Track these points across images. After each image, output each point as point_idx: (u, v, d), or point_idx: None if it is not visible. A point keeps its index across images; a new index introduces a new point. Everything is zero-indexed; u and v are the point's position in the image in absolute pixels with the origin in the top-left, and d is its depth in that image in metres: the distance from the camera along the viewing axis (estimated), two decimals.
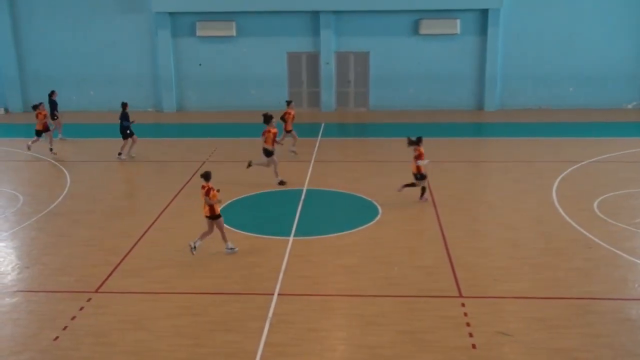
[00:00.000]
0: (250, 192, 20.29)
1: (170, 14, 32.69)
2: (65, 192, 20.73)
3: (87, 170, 23.26)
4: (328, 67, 32.93)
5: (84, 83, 34.03)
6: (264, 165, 20.97)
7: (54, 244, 16.72)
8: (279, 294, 13.67)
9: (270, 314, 12.79)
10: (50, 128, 25.96)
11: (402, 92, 33.23)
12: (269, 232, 16.98)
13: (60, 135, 27.96)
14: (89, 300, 13.59)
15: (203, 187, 15.40)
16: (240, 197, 19.95)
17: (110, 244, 16.48)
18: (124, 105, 24.87)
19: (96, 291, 14.01)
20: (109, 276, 14.69)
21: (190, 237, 16.86)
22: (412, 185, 19.13)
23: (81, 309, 13.21)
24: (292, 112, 24.72)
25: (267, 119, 20.88)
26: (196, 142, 27.21)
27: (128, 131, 24.36)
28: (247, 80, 33.47)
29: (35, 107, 25.38)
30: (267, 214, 18.75)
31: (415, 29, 32.37)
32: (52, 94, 28.28)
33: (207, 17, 32.61)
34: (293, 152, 24.59)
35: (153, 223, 17.91)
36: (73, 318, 12.83)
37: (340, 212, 18.84)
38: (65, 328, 12.45)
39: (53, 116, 27.84)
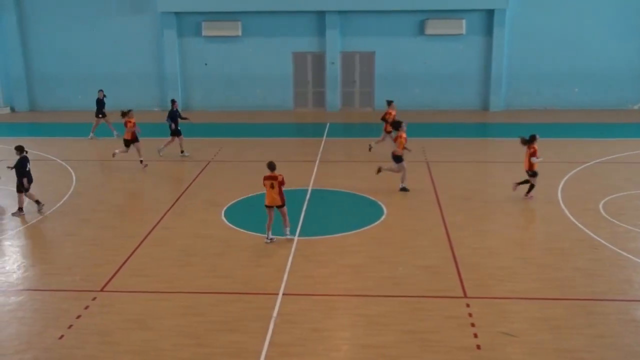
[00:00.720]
0: (255, 192, 20.29)
1: (176, 13, 32.75)
2: (70, 191, 20.79)
3: (93, 169, 23.31)
4: (333, 67, 32.93)
5: (90, 82, 34.04)
6: (393, 170, 20.37)
7: (59, 242, 16.77)
8: (283, 294, 13.68)
9: (274, 314, 12.80)
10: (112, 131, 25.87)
11: (408, 92, 33.21)
12: (273, 232, 16.95)
13: (91, 134, 28.02)
14: (94, 299, 13.62)
15: (274, 177, 15.90)
16: (245, 196, 19.96)
17: (115, 243, 16.51)
18: (173, 102, 25.05)
19: (101, 290, 14.04)
20: (114, 275, 14.72)
21: (194, 236, 16.92)
22: (525, 182, 19.24)
23: (86, 307, 13.25)
24: (393, 113, 24.26)
25: (397, 124, 20.26)
26: (201, 142, 27.22)
27: (172, 129, 24.37)
28: (253, 80, 33.50)
29: (124, 114, 23.26)
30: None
31: (420, 29, 32.36)
32: (98, 93, 28.09)
33: (212, 17, 32.65)
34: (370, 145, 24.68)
35: (158, 222, 17.94)
36: (78, 317, 12.86)
37: (345, 212, 18.84)
38: (70, 327, 12.48)
39: (98, 115, 27.82)
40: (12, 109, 34.47)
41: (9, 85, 34.30)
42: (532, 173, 19.15)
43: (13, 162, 18.78)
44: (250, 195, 20.01)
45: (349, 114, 33.24)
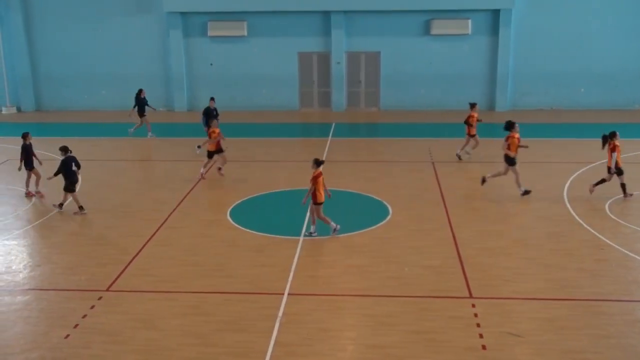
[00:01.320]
0: (260, 191, 20.31)
1: (182, 13, 32.79)
2: (76, 191, 20.78)
3: (98, 169, 23.34)
4: (339, 67, 32.92)
5: (96, 82, 34.17)
6: (500, 174, 19.97)
7: (65, 242, 16.80)
8: (289, 294, 13.68)
9: (280, 314, 12.80)
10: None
11: (413, 92, 33.19)
12: (279, 231, 16.99)
13: (131, 131, 27.99)
14: (99, 298, 13.64)
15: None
16: (251, 196, 19.97)
17: (121, 243, 16.54)
18: (211, 100, 25.10)
19: (107, 290, 14.06)
20: (119, 275, 14.74)
21: (200, 236, 16.94)
22: (602, 182, 19.18)
23: (92, 307, 13.27)
24: (476, 115, 23.77)
25: (510, 125, 19.90)
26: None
27: (204, 128, 24.35)
28: (258, 80, 33.51)
29: (208, 125, 22.02)
30: (277, 213, 18.75)
31: (426, 29, 32.32)
32: (140, 92, 28.06)
33: (218, 17, 32.68)
34: (468, 154, 23.92)
35: (164, 222, 17.97)
36: (84, 316, 12.89)
37: (350, 212, 18.82)
38: (76, 326, 12.50)
39: (142, 113, 27.81)
40: (19, 109, 34.56)
41: (15, 85, 34.39)
42: (619, 170, 18.97)
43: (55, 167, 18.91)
44: (255, 195, 20.01)
45: (354, 114, 33.23)
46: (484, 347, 11.59)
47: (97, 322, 12.70)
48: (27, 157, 20.27)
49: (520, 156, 24.02)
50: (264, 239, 16.69)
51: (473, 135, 23.54)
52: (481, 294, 13.56)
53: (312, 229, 16.74)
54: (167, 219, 18.23)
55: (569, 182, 20.89)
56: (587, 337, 11.84)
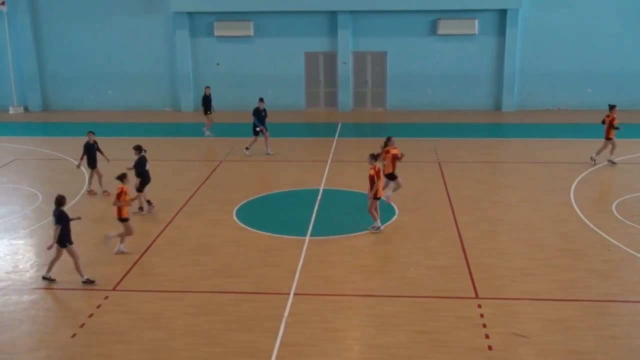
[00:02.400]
0: (266, 191, 20.33)
1: (189, 13, 32.82)
2: (83, 190, 20.87)
3: (105, 169, 23.34)
4: (345, 67, 32.91)
5: (102, 82, 34.24)
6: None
7: None
8: (294, 294, 13.69)
9: (286, 314, 12.81)
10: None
11: (420, 93, 33.14)
12: (285, 231, 17.01)
13: (207, 132, 28.01)
14: (106, 298, 13.68)
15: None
16: (256, 196, 19.99)
17: (128, 243, 16.54)
18: (260, 100, 25.04)
19: (113, 289, 14.10)
20: (126, 274, 14.77)
21: (206, 236, 16.95)
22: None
23: (98, 306, 13.30)
24: (613, 116, 22.51)
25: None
26: (213, 142, 27.29)
27: (257, 128, 24.40)
28: (265, 80, 33.51)
29: (385, 144, 19.13)
30: (283, 213, 18.76)
31: (433, 29, 32.28)
32: (205, 89, 28.04)
33: (225, 17, 32.70)
34: (612, 162, 22.70)
35: (170, 222, 18.00)
36: (90, 316, 12.92)
37: (356, 212, 18.80)
38: (82, 325, 12.54)
39: (207, 112, 27.77)
40: (26, 109, 34.63)
41: (22, 85, 34.47)
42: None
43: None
44: (261, 194, 20.03)
45: (360, 114, 33.21)
46: (489, 348, 11.58)
47: (103, 321, 12.73)
48: (90, 155, 20.31)
49: (527, 156, 24.04)
50: (270, 239, 16.70)
51: (610, 139, 22.50)
52: (487, 295, 13.55)
53: (376, 223, 16.98)
54: (173, 218, 18.26)
55: (575, 182, 20.83)
56: (593, 338, 11.82)
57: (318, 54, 33.31)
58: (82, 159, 20.36)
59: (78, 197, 20.22)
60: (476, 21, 31.69)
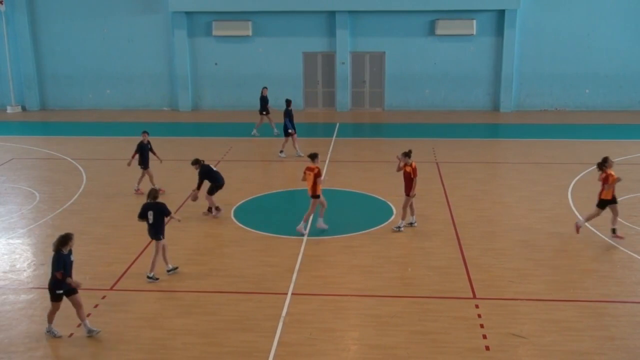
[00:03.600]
0: (264, 191, 20.31)
1: (187, 13, 32.81)
2: (81, 190, 20.86)
3: (103, 168, 23.37)
4: (343, 67, 32.92)
5: (100, 82, 34.22)
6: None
7: None
8: (292, 294, 13.69)
9: (283, 314, 12.81)
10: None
11: (418, 93, 33.18)
12: (282, 231, 17.00)
13: (254, 132, 27.93)
14: (103, 297, 13.67)
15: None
16: (255, 196, 19.98)
17: (125, 242, 16.56)
18: (288, 102, 24.98)
19: (111, 289, 14.09)
20: (123, 274, 14.76)
21: (204, 235, 16.94)
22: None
23: (96, 306, 13.29)
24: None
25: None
26: (211, 141, 27.29)
27: (290, 130, 24.37)
28: (263, 79, 33.43)
29: (601, 166, 16.49)
30: (281, 213, 18.75)
31: (431, 30, 32.30)
32: (263, 90, 27.91)
33: (223, 17, 32.70)
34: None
35: (168, 222, 17.93)
36: (88, 315, 12.88)
37: (354, 212, 18.83)
38: (79, 325, 12.51)
39: (262, 112, 27.64)
40: (24, 108, 34.60)
41: (20, 84, 34.45)
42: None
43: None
44: (260, 194, 20.02)
45: (358, 114, 33.22)
46: (487, 348, 11.59)
47: (101, 321, 12.71)
48: (143, 155, 20.16)
49: (524, 157, 24.05)
50: (268, 238, 16.70)
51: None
52: (485, 295, 13.56)
53: (409, 220, 17.20)
54: (170, 218, 18.19)
55: (573, 183, 20.85)
56: (591, 339, 11.83)
57: (316, 54, 33.32)
58: (133, 157, 20.20)
59: (76, 196, 20.18)
60: (474, 22, 31.71)
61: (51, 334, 12.18)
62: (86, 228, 17.68)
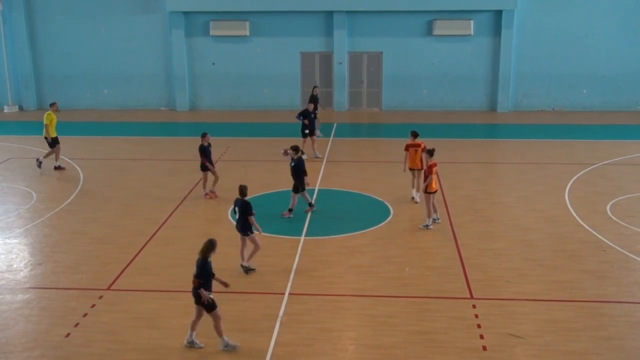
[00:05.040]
0: (261, 191, 20.29)
1: (185, 13, 32.77)
2: (78, 190, 20.83)
3: (100, 168, 23.34)
4: (341, 67, 32.91)
5: (98, 81, 34.16)
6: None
7: (66, 241, 16.80)
8: (290, 294, 13.69)
9: (281, 314, 12.80)
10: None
11: (415, 93, 33.15)
12: (280, 231, 17.00)
13: (318, 133, 27.41)
14: (100, 297, 13.66)
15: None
16: (252, 196, 19.91)
17: (123, 242, 16.55)
18: (310, 103, 24.85)
19: (108, 289, 14.07)
20: (120, 274, 14.75)
21: (202, 235, 16.89)
22: None
23: (93, 306, 13.28)
24: None
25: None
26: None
27: (306, 130, 24.29)
28: (260, 79, 33.49)
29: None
30: (279, 213, 18.72)
31: (428, 30, 32.29)
32: (314, 90, 27.46)
33: (221, 17, 32.66)
34: None
35: (165, 221, 17.97)
36: (85, 315, 12.90)
37: (351, 212, 18.82)
38: (76, 325, 12.51)
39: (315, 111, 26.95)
40: (21, 108, 34.52)
41: (17, 83, 34.37)
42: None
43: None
44: (257, 194, 19.99)
45: (356, 114, 33.20)
46: (484, 348, 11.60)
47: (98, 320, 12.71)
48: (205, 158, 19.61)
49: (522, 157, 24.07)
50: (266, 239, 16.66)
51: None
52: (483, 295, 13.57)
53: (432, 219, 17.33)
54: (168, 218, 18.23)
55: (570, 183, 20.86)
56: (588, 339, 11.85)
57: (314, 54, 33.30)
58: (205, 161, 19.60)
59: (73, 195, 20.15)
60: (472, 22, 31.71)
61: (229, 348, 11.63)
62: (83, 228, 17.66)
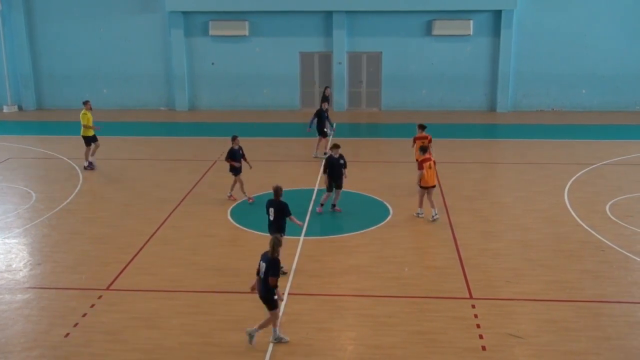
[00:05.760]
0: (260, 191, 20.28)
1: (184, 13, 32.77)
2: (77, 189, 20.83)
3: (100, 168, 23.33)
4: (340, 67, 32.90)
5: (97, 81, 34.14)
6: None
7: (66, 241, 16.80)
8: (289, 294, 13.69)
9: (280, 314, 12.79)
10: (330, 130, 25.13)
11: (415, 93, 33.15)
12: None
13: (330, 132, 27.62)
14: (100, 297, 13.65)
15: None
16: (252, 196, 19.94)
17: (122, 242, 16.55)
18: (323, 102, 24.81)
19: (107, 289, 14.07)
20: (120, 274, 14.75)
21: (201, 235, 16.93)
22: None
23: (92, 306, 13.28)
24: None
25: None
26: (208, 141, 27.25)
27: (325, 129, 24.29)
28: (260, 79, 33.49)
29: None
30: None
31: (428, 30, 32.29)
32: (325, 89, 27.30)
33: (220, 17, 32.65)
34: None
35: (164, 221, 17.96)
36: (84, 315, 12.89)
37: (351, 212, 18.82)
38: (76, 325, 12.51)
39: None
40: (20, 108, 34.51)
41: (16, 83, 34.35)
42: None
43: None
44: (256, 194, 19.99)
45: (355, 114, 33.20)
46: (484, 348, 11.60)
47: (97, 320, 12.71)
48: (234, 161, 19.22)
49: (521, 157, 24.08)
50: (265, 238, 16.55)
51: None
52: (481, 295, 13.57)
53: (433, 212, 17.78)
54: (167, 218, 18.23)
55: (569, 183, 20.87)
56: (588, 339, 11.85)
57: (313, 54, 33.30)
58: (230, 162, 19.32)
59: (72, 195, 20.14)
60: (471, 22, 31.71)
61: (283, 341, 11.86)
62: (82, 228, 17.67)
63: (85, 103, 23.53)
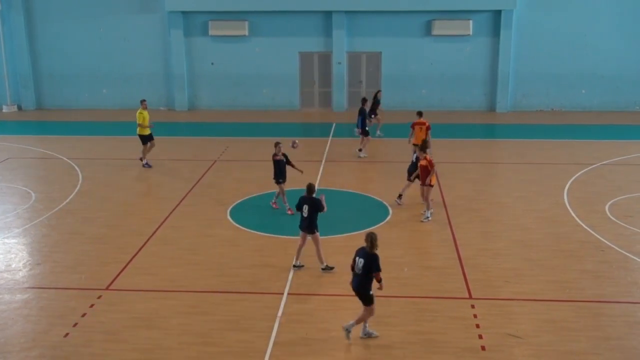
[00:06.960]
0: (260, 191, 20.29)
1: (183, 13, 32.77)
2: (77, 189, 20.82)
3: (99, 168, 23.33)
4: (340, 67, 32.90)
5: (97, 81, 34.15)
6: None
7: (65, 241, 16.79)
8: (288, 294, 13.69)
9: (279, 314, 12.80)
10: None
11: (414, 93, 33.16)
12: (279, 231, 16.99)
13: (378, 133, 27.69)
14: (99, 297, 13.65)
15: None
16: (251, 196, 19.96)
17: (121, 242, 16.54)
18: (363, 100, 24.86)
19: (107, 288, 14.07)
20: (119, 274, 14.74)
21: (200, 235, 16.93)
22: None
23: (91, 306, 13.27)
24: None
25: None
26: (207, 141, 27.26)
27: (367, 128, 24.30)
28: (259, 79, 33.49)
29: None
30: (277, 213, 18.71)
31: (427, 30, 32.29)
32: (377, 93, 27.81)
33: (219, 17, 32.65)
34: None
35: (164, 221, 17.96)
36: (83, 315, 12.89)
37: (350, 212, 18.82)
38: (75, 325, 12.51)
39: (371, 115, 26.76)
40: (19, 107, 34.51)
41: (16, 83, 34.35)
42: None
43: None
44: (256, 194, 20.00)
45: (355, 114, 33.05)
46: (483, 348, 11.60)
47: (97, 320, 12.71)
48: (279, 169, 18.21)
49: (521, 157, 24.08)
50: (264, 238, 16.69)
51: None
52: (481, 295, 13.57)
53: (427, 213, 17.88)
54: (167, 218, 18.23)
55: (569, 183, 20.87)
56: (587, 339, 11.85)
57: (313, 54, 33.30)
58: (290, 164, 18.48)
59: (72, 195, 20.14)
60: (470, 22, 31.71)
61: (372, 335, 12.05)
62: (82, 228, 17.66)
63: (142, 102, 23.54)
